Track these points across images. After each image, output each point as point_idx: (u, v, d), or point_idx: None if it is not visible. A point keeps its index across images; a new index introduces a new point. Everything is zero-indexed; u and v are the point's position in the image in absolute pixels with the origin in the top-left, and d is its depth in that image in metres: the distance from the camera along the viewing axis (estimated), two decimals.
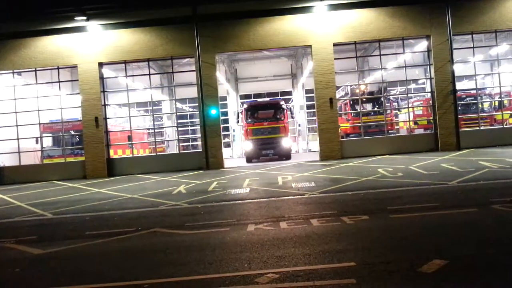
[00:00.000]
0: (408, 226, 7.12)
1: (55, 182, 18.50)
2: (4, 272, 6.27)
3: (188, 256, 6.24)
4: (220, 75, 23.39)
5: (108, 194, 13.82)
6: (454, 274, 4.67)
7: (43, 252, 7.12)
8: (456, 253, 5.40)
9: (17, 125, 20.09)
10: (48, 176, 19.32)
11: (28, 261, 6.76)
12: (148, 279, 5.19)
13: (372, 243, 6.21)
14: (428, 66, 19.98)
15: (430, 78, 19.83)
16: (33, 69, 20.03)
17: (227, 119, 28.11)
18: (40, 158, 21.04)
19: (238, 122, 24.56)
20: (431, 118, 20.35)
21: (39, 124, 20.62)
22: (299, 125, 28.37)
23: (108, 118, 20.39)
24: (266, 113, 21.64)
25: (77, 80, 19.94)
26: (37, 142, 20.95)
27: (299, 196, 10.86)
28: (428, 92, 20.91)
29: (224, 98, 27.42)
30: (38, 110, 20.30)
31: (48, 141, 22.02)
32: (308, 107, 27.69)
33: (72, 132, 21.76)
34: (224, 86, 26.39)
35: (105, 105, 20.13)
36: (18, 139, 20.13)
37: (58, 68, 20.21)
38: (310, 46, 19.33)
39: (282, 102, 22.45)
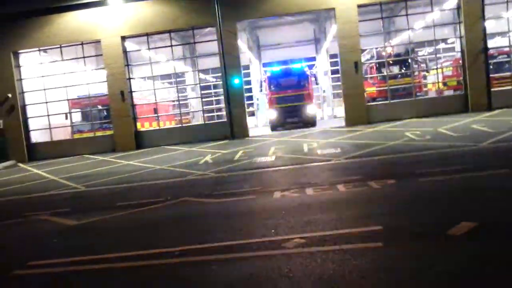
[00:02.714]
0: (436, 189, 7.02)
1: (86, 156, 19.04)
2: (41, 243, 6.58)
3: (216, 223, 6.37)
4: (242, 43, 23.12)
5: (137, 166, 14.14)
6: (483, 237, 4.60)
7: (78, 223, 7.41)
8: (485, 216, 5.31)
9: (46, 102, 20.59)
10: (79, 151, 19.87)
11: (64, 232, 7.06)
12: (179, 246, 5.34)
13: (399, 207, 6.17)
14: (458, 24, 19.12)
15: (460, 37, 19.01)
16: (58, 46, 20.28)
17: (251, 88, 27.95)
18: (71, 133, 21.58)
19: (261, 90, 24.39)
20: (461, 78, 19.65)
21: (68, 100, 21.06)
22: (324, 91, 27.95)
23: (134, 91, 20.61)
24: (289, 81, 21.36)
25: (101, 55, 20.13)
26: (66, 118, 21.46)
27: (325, 163, 10.82)
28: (458, 51, 20.10)
29: (247, 67, 27.19)
30: (66, 86, 20.71)
31: (77, 117, 22.52)
32: (333, 72, 27.15)
33: (100, 107, 22.15)
34: (246, 55, 26.11)
35: (129, 78, 20.30)
36: (48, 115, 20.66)
37: (82, 44, 20.40)
38: (333, 8, 18.73)
39: (306, 68, 22.08)
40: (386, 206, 6.27)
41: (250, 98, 27.79)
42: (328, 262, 4.27)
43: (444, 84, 23.45)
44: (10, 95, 20.11)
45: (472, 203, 5.98)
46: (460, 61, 19.54)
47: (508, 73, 20.29)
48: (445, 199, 6.37)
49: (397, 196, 6.81)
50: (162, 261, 4.94)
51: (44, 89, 20.58)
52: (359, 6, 18.57)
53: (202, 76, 29.90)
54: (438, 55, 23.85)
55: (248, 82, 27.24)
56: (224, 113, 21.41)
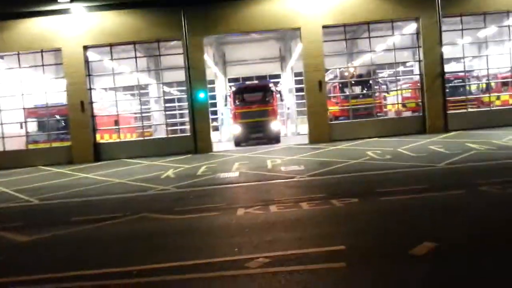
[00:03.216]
0: (398, 209, 7.13)
1: (41, 167, 18.23)
2: None
3: (177, 241, 6.18)
4: (208, 58, 23.08)
5: (95, 179, 13.64)
6: (445, 256, 4.67)
7: (29, 239, 6.99)
8: (446, 235, 5.41)
9: (0, 110, 19.65)
10: (33, 162, 19.01)
11: (13, 249, 6.64)
12: (137, 265, 5.11)
13: (362, 226, 6.20)
14: (417, 49, 19.93)
15: (419, 61, 19.81)
16: (16, 52, 19.50)
17: (215, 103, 27.85)
18: (25, 143, 20.64)
19: (226, 105, 24.32)
20: (419, 100, 20.40)
21: (24, 108, 20.19)
22: (288, 108, 28.24)
23: (94, 102, 20.04)
24: (254, 96, 21.42)
25: (62, 63, 19.50)
26: (21, 127, 20.55)
27: (289, 180, 10.83)
28: (417, 74, 20.91)
29: (212, 82, 27.10)
30: (22, 95, 19.87)
31: (33, 126, 21.59)
32: (297, 90, 27.53)
33: (58, 117, 21.36)
34: (212, 69, 26.07)
35: (90, 89, 19.75)
36: (1, 124, 19.72)
37: (42, 52, 19.71)
38: (299, 28, 19.10)
39: (271, 85, 22.25)
40: (349, 225, 6.29)
41: (215, 112, 27.66)
42: (293, 283, 4.19)
43: (403, 105, 24.26)
44: None
45: (433, 223, 6.10)
46: (419, 84, 20.31)
47: (463, 97, 21.24)
48: (406, 218, 6.47)
49: (359, 215, 6.85)
50: (118, 282, 4.69)
51: None
52: (324, 27, 19.02)
53: (166, 89, 29.54)
54: (397, 77, 24.70)
55: (213, 97, 27.15)
56: (187, 127, 21.17)
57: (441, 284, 4.00)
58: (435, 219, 6.32)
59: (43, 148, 20.28)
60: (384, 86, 24.09)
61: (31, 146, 20.50)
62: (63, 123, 21.01)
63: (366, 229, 6.01)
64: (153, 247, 5.97)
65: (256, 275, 4.49)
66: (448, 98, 19.76)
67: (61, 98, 20.12)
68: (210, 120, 20.49)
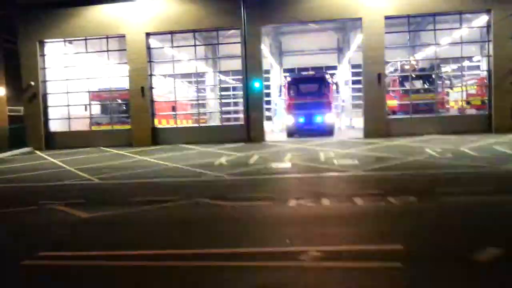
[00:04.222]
0: (458, 211, 6.78)
1: (102, 148, 19.13)
2: (53, 233, 6.55)
3: (230, 228, 6.25)
4: (265, 47, 23.04)
5: (152, 162, 14.12)
6: (508, 264, 4.38)
7: (90, 216, 7.36)
8: (507, 242, 5.07)
9: (67, 92, 20.81)
10: (96, 143, 20.00)
11: (77, 224, 7.02)
12: (191, 248, 5.23)
13: (420, 226, 5.96)
14: (487, 43, 18.75)
15: (488, 56, 18.63)
16: (83, 38, 20.50)
17: (270, 93, 27.81)
18: (89, 124, 21.75)
19: (280, 95, 24.22)
20: (486, 98, 19.23)
21: (88, 92, 21.24)
22: (343, 100, 27.67)
23: (154, 88, 20.68)
24: (309, 87, 21.12)
25: (125, 49, 20.27)
26: (86, 109, 21.65)
27: (342, 173, 10.62)
28: (484, 70, 19.70)
29: (268, 71, 27.06)
30: (88, 79, 20.90)
31: (96, 109, 22.69)
32: (353, 82, 26.88)
33: (119, 101, 22.29)
34: (268, 59, 26.02)
35: (151, 75, 20.39)
36: (68, 105, 20.89)
37: (107, 38, 20.58)
38: (360, 18, 18.54)
39: (328, 76, 21.85)
40: (406, 224, 6.06)
41: (269, 102, 27.65)
42: (345, 280, 4.11)
43: (468, 102, 23.00)
44: (32, 83, 20.38)
45: (496, 228, 5.74)
46: (486, 80, 19.14)
47: None
48: (468, 221, 6.13)
49: (417, 215, 6.59)
50: (170, 263, 4.82)
51: (66, 80, 20.81)
52: (386, 17, 18.33)
53: (222, 77, 29.90)
54: (463, 73, 23.41)
55: (268, 87, 27.13)
56: (241, 115, 21.33)
57: None
58: (499, 223, 5.94)
59: (105, 130, 21.27)
60: (447, 82, 22.90)
61: (94, 128, 21.56)
62: (124, 107, 21.90)
63: (424, 230, 5.77)
64: (206, 232, 6.08)
65: (308, 268, 4.45)
66: None
67: (123, 83, 20.95)
68: (264, 110, 20.50)
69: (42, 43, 20.74)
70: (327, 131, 20.50)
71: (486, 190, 7.95)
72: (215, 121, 23.80)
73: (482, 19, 18.80)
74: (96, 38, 20.71)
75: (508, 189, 8.18)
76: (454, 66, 26.97)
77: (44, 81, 20.89)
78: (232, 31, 20.54)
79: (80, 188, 10.56)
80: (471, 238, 5.30)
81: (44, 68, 20.90)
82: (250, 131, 19.17)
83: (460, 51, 19.36)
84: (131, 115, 20.20)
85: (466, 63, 25.63)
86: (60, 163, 15.00)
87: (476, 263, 4.44)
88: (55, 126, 21.16)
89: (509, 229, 5.70)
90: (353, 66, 26.31)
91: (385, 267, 4.38)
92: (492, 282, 3.99)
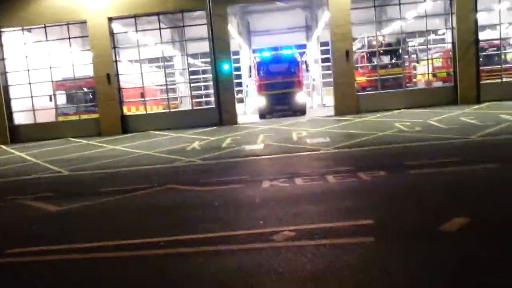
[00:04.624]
0: (427, 183, 6.94)
1: (70, 139, 18.65)
2: (21, 228, 6.35)
3: (203, 213, 6.20)
4: (232, 28, 22.72)
5: (123, 151, 13.86)
6: (476, 233, 4.51)
7: (60, 208, 7.17)
8: (478, 211, 5.22)
9: (30, 83, 20.05)
10: (63, 134, 19.46)
11: (45, 218, 6.83)
12: (164, 236, 5.16)
13: (390, 200, 6.07)
14: (450, 15, 19.03)
15: (452, 28, 18.95)
16: (43, 25, 19.68)
17: (240, 75, 27.61)
18: (55, 115, 21.10)
19: (250, 76, 24.07)
20: (451, 70, 19.64)
21: (52, 81, 20.52)
22: (314, 79, 27.75)
23: (120, 74, 20.16)
24: (279, 67, 21.05)
25: (87, 36, 19.59)
26: (50, 100, 20.96)
27: (314, 152, 10.70)
28: (449, 43, 20.07)
29: (237, 53, 26.80)
30: (50, 68, 20.17)
31: (62, 99, 22.00)
32: (323, 60, 26.95)
33: (85, 89, 21.66)
34: (236, 40, 25.72)
35: (116, 61, 19.85)
36: (32, 97, 20.15)
37: (67, 24, 19.82)
38: None
39: (297, 55, 21.80)
40: (377, 199, 6.16)
41: (240, 84, 27.48)
42: (319, 257, 4.14)
43: (434, 75, 23.45)
44: None
45: (464, 198, 5.90)
46: (451, 53, 19.52)
47: (497, 66, 20.32)
48: (437, 192, 6.28)
49: (387, 189, 6.70)
50: (145, 252, 4.75)
51: (28, 70, 20.02)
52: None
53: (191, 60, 29.42)
54: (428, 46, 23.79)
55: (238, 68, 26.90)
56: (212, 99, 21.13)
57: (470, 263, 3.86)
58: (467, 194, 6.11)
59: (72, 120, 20.70)
60: (414, 56, 23.23)
61: (60, 119, 20.94)
62: (90, 96, 21.31)
63: (394, 203, 5.88)
64: (180, 219, 6.02)
65: (282, 248, 4.46)
66: (481, 68, 18.94)
67: (88, 70, 20.33)
68: (235, 92, 20.35)
69: None
70: (299, 110, 20.58)
71: (454, 161, 8.15)
72: (186, 106, 23.51)
73: None
74: (57, 25, 19.91)
75: (474, 159, 8.41)
76: (420, 40, 27.35)
77: (4, 73, 20.05)
78: (198, 12, 20.14)
79: (48, 181, 10.27)
80: (439, 210, 5.43)
81: (3, 59, 20.05)
82: (222, 114, 19.03)
83: (425, 24, 19.61)
84: (98, 103, 19.69)
85: (431, 36, 26.04)
86: (27, 157, 14.54)
87: (444, 232, 4.55)
88: (19, 118, 20.42)
89: (474, 198, 5.86)
90: (322, 44, 26.35)
91: (358, 243, 4.43)
92: (457, 252, 4.10)
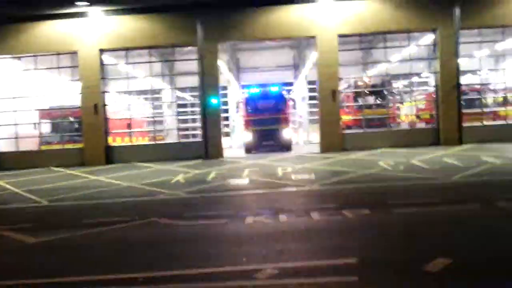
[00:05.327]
0: (411, 222, 6.96)
1: (53, 168, 18.34)
2: None
3: (185, 248, 6.09)
4: (223, 64, 23.12)
5: (106, 182, 13.66)
6: (459, 274, 4.51)
7: (38, 240, 6.97)
8: (460, 251, 5.24)
9: (15, 111, 19.89)
10: (46, 163, 19.14)
11: (22, 250, 6.62)
12: (143, 271, 5.04)
13: (374, 239, 6.06)
14: (434, 60, 19.69)
15: (435, 72, 19.56)
16: (33, 54, 19.75)
17: (227, 109, 27.86)
18: (38, 144, 20.82)
19: (238, 111, 24.27)
20: (434, 112, 20.12)
21: (38, 110, 20.38)
22: (300, 116, 28.12)
23: (107, 105, 20.16)
24: (267, 103, 21.31)
25: (77, 66, 19.69)
26: (35, 128, 20.75)
27: (299, 188, 10.69)
28: (432, 86, 20.66)
29: (225, 88, 27.12)
30: (37, 96, 20.09)
31: (46, 127, 21.79)
32: (310, 98, 27.43)
33: (71, 119, 21.53)
34: (225, 76, 26.11)
35: (104, 92, 19.89)
36: (16, 124, 19.94)
37: (58, 54, 19.92)
38: (314, 36, 19.01)
39: (284, 92, 22.14)
40: (361, 237, 6.14)
41: (227, 119, 27.66)
42: None
43: (417, 116, 23.99)
44: None
45: (447, 238, 5.92)
46: (434, 95, 20.04)
47: (478, 110, 20.91)
48: (420, 232, 6.29)
49: (371, 228, 6.70)
50: None
51: (14, 97, 19.89)
52: (340, 35, 18.89)
53: (179, 94, 29.66)
54: (412, 88, 24.47)
55: (226, 103, 27.16)
56: (199, 132, 21.17)
57: None
58: (449, 233, 6.14)
59: (56, 149, 20.41)
60: (398, 97, 23.84)
61: (44, 147, 20.65)
62: (76, 125, 21.16)
63: (378, 242, 5.86)
64: (161, 254, 5.89)
65: (265, 287, 4.38)
66: (463, 111, 19.46)
67: (75, 100, 20.28)
68: (222, 126, 20.45)
69: None
70: (285, 147, 20.70)
71: (436, 201, 8.22)
72: (172, 138, 23.47)
73: (429, 38, 19.77)
74: (47, 55, 20.00)
75: (456, 199, 8.49)
76: (405, 82, 28.13)
77: None
78: (189, 47, 20.48)
79: (28, 211, 10.02)
80: (422, 249, 5.44)
81: None
82: (208, 147, 19.01)
83: (410, 67, 20.23)
84: (83, 133, 19.54)
85: (415, 79, 26.83)
86: (7, 185, 14.21)
87: (428, 273, 4.53)
88: (1, 146, 20.09)
89: (456, 238, 5.88)
90: (309, 82, 26.87)
91: (341, 282, 4.38)
92: None
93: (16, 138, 19.96)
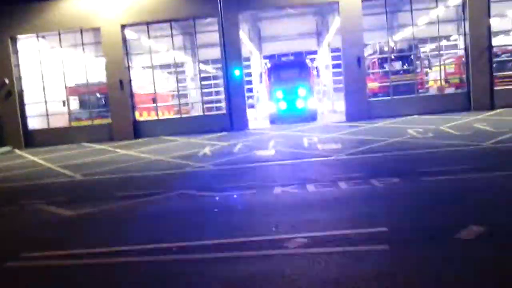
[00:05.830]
0: (441, 190, 6.87)
1: (83, 144, 18.83)
2: (36, 233, 6.42)
3: (217, 219, 6.22)
4: (243, 34, 22.83)
5: (135, 156, 13.96)
6: (493, 242, 4.46)
7: (74, 213, 7.25)
8: (494, 220, 5.16)
9: (44, 88, 20.34)
10: (76, 139, 19.65)
11: (60, 222, 6.90)
12: (176, 242, 5.19)
13: (404, 207, 6.03)
14: (463, 21, 18.89)
15: (464, 34, 18.80)
16: (57, 32, 19.98)
17: (251, 80, 27.68)
18: (68, 121, 21.34)
19: (261, 82, 24.10)
20: (464, 76, 19.46)
21: (65, 87, 20.79)
22: (325, 85, 27.72)
23: (132, 80, 20.35)
24: (290, 73, 21.06)
25: (100, 42, 19.85)
26: (64, 105, 21.20)
27: (326, 158, 10.66)
28: (461, 49, 19.91)
29: (248, 59, 26.87)
30: (64, 73, 20.45)
31: (75, 104, 22.24)
32: (334, 66, 26.91)
33: (98, 95, 21.88)
34: (247, 46, 25.82)
35: (128, 67, 20.04)
36: (45, 102, 20.43)
37: (81, 31, 20.09)
38: (337, 2, 18.49)
39: (308, 61, 21.80)
40: (390, 206, 6.12)
41: (250, 90, 27.54)
42: (332, 265, 4.13)
43: (446, 81, 23.24)
44: (7, 81, 19.84)
45: (479, 206, 5.84)
46: (463, 59, 19.36)
47: (511, 72, 20.08)
48: (451, 200, 6.22)
49: (401, 196, 6.65)
50: (159, 258, 4.78)
51: (42, 76, 20.32)
52: (363, 0, 18.30)
53: (202, 66, 29.56)
54: (441, 52, 23.61)
55: (249, 74, 26.97)
56: (223, 104, 21.20)
57: (488, 270, 3.82)
58: (482, 201, 6.04)
59: (85, 125, 20.90)
60: (426, 62, 23.08)
61: (74, 124, 21.15)
62: (103, 101, 21.51)
63: (408, 211, 5.83)
64: (192, 224, 6.04)
65: (295, 256, 4.45)
66: (495, 74, 18.75)
67: (101, 76, 20.55)
68: (246, 98, 20.40)
69: (14, 39, 20.14)
70: (310, 116, 20.55)
71: (467, 168, 8.07)
72: (197, 111, 23.60)
73: None
74: (70, 32, 20.19)
75: (488, 166, 8.30)
76: (432, 46, 27.18)
77: (19, 78, 20.36)
78: (210, 19, 20.28)
79: (62, 185, 10.38)
80: (453, 217, 5.38)
81: (18, 65, 20.34)
82: (232, 119, 19.07)
83: (437, 30, 19.50)
84: (110, 109, 19.88)
85: (443, 42, 25.89)
86: (41, 161, 14.72)
87: (460, 240, 4.50)
88: (33, 123, 20.69)
89: (489, 206, 5.79)
90: (333, 50, 26.31)
91: (371, 250, 4.41)
92: (473, 259, 4.06)
93: (46, 115, 20.48)
